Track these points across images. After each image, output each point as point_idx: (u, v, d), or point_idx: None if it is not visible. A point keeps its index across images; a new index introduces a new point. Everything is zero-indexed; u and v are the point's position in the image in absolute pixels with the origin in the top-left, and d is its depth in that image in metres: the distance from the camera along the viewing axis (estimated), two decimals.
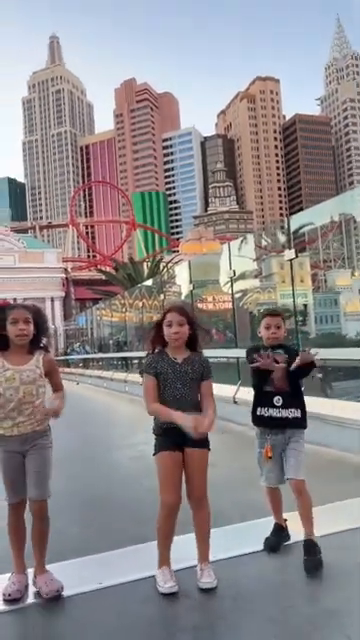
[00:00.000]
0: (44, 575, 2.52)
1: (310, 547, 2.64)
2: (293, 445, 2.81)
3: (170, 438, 2.50)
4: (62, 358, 24.36)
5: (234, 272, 9.31)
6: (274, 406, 2.80)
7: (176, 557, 2.58)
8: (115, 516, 3.78)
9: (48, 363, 2.63)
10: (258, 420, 2.87)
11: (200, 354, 2.62)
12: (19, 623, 2.35)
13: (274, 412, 2.80)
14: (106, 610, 2.36)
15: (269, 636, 2.11)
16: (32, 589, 2.54)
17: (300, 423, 2.84)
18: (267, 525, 2.99)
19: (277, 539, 2.86)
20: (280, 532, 2.90)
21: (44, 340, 2.67)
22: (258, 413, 2.85)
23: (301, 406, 2.85)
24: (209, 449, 2.55)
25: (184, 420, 2.37)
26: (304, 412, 2.86)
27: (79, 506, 3.90)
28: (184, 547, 2.62)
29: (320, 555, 2.62)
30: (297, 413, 2.82)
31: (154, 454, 2.56)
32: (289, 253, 7.10)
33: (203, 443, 2.51)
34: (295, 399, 2.83)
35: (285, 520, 2.94)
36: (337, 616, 2.21)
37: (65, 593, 2.48)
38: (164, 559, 2.52)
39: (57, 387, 2.70)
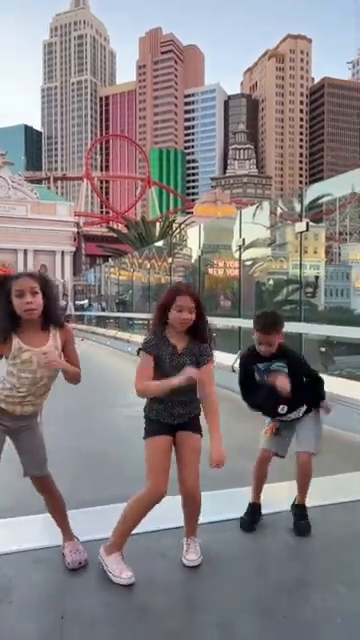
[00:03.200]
0: (71, 543, 2.47)
1: (302, 511, 2.84)
2: (304, 420, 2.86)
3: (162, 422, 2.39)
4: (77, 313, 24.08)
5: (243, 240, 9.15)
6: (279, 414, 2.83)
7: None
8: (107, 473, 3.84)
9: (65, 335, 2.35)
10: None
11: (201, 344, 2.43)
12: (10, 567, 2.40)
13: (280, 417, 2.86)
14: (90, 563, 2.43)
15: (241, 598, 2.20)
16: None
17: (308, 411, 2.87)
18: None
19: (252, 518, 2.86)
20: (255, 512, 2.89)
21: (58, 311, 2.38)
22: (263, 415, 2.91)
23: (306, 399, 2.85)
24: (202, 435, 2.46)
25: (179, 379, 2.24)
26: (312, 400, 2.87)
27: (72, 462, 3.94)
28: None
29: (308, 520, 2.80)
30: (303, 408, 2.85)
31: (144, 437, 2.42)
32: (299, 225, 6.92)
33: (197, 428, 2.44)
34: (299, 400, 2.81)
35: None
36: (308, 586, 2.28)
37: (50, 543, 2.55)
38: (121, 544, 2.35)
39: (71, 363, 2.38)
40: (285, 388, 2.64)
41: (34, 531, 2.78)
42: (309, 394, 2.85)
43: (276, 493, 3.10)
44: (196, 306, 2.35)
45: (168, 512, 2.50)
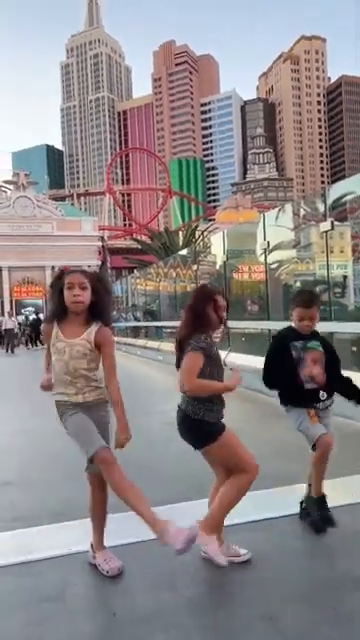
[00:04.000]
0: (104, 552, 2.50)
1: (324, 501, 2.83)
2: (327, 415, 2.89)
3: (219, 422, 2.48)
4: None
5: (268, 243, 9.13)
6: (320, 400, 2.81)
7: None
8: (144, 478, 3.89)
9: (100, 336, 2.39)
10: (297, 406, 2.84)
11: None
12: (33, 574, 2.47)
13: (320, 405, 2.82)
14: (128, 565, 2.48)
15: (287, 592, 2.22)
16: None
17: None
18: (285, 493, 3.02)
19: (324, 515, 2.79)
20: (325, 504, 2.82)
21: (106, 310, 2.46)
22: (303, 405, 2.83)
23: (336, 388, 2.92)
24: None
25: (234, 382, 2.42)
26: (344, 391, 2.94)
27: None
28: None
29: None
30: (333, 397, 2.90)
31: (210, 442, 2.41)
32: (324, 225, 6.90)
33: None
34: (333, 386, 2.87)
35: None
36: (354, 580, 2.28)
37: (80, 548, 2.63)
38: (221, 527, 2.46)
39: (107, 370, 2.42)
40: (320, 378, 2.75)
41: (83, 534, 2.85)
42: (339, 384, 2.89)
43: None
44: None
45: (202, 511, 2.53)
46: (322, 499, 2.83)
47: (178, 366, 2.48)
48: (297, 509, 3.00)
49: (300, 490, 3.04)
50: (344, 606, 2.09)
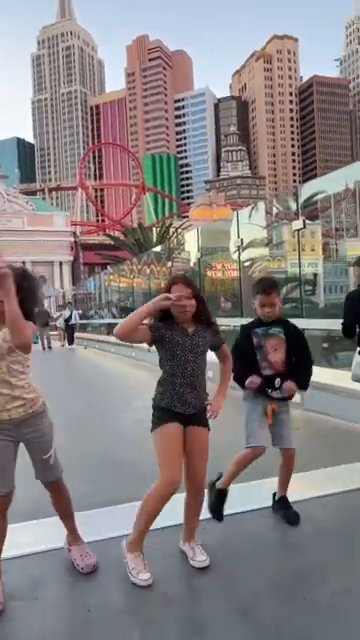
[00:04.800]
0: (79, 547, 2.48)
1: (287, 502, 2.94)
2: (283, 416, 2.85)
3: (174, 411, 2.36)
4: (84, 322, 23.64)
5: (242, 241, 9.21)
6: (274, 388, 2.79)
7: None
8: (117, 475, 3.91)
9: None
10: (254, 394, 2.81)
11: (209, 326, 2.48)
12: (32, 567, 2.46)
13: (275, 393, 2.80)
14: (105, 560, 2.49)
15: (260, 585, 2.27)
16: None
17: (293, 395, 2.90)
18: (259, 487, 3.08)
19: (221, 505, 2.80)
20: (224, 496, 2.82)
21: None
22: (255, 393, 2.81)
23: (293, 377, 2.85)
24: (209, 429, 2.47)
25: (162, 298, 2.31)
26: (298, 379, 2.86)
27: (85, 465, 4.01)
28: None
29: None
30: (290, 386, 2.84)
31: (153, 429, 2.39)
32: (297, 223, 7.02)
33: (206, 422, 2.44)
34: (291, 376, 2.82)
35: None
36: (325, 569, 2.35)
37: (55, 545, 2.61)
38: (139, 543, 2.34)
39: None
40: (277, 364, 2.79)
41: (57, 532, 2.84)
42: (298, 372, 2.84)
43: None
44: (193, 292, 2.38)
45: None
46: (283, 499, 2.96)
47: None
48: (265, 503, 3.05)
49: (270, 484, 3.10)
50: (314, 596, 2.15)
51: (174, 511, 2.48)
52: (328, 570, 2.36)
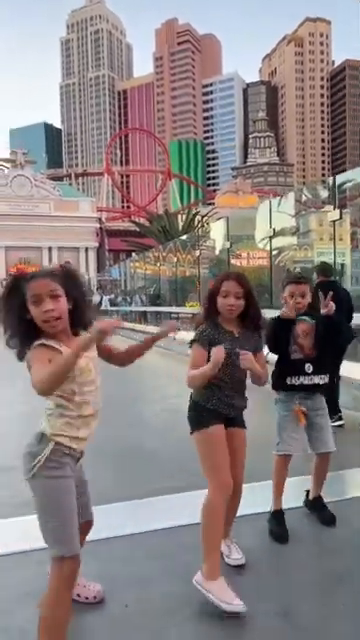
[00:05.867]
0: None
1: (322, 502, 2.87)
2: (322, 414, 2.78)
3: (219, 412, 2.24)
4: (115, 309, 23.62)
5: (274, 230, 9.08)
6: (305, 373, 2.71)
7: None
8: (144, 466, 3.92)
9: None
10: (286, 387, 2.75)
11: (256, 329, 2.33)
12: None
13: (305, 380, 2.72)
14: (129, 556, 2.48)
15: (296, 584, 2.24)
16: None
17: (326, 388, 2.84)
18: (294, 485, 3.03)
19: (283, 527, 2.67)
20: (283, 518, 2.71)
21: (90, 313, 1.82)
22: (289, 382, 2.73)
23: (329, 371, 2.83)
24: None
25: (218, 357, 2.09)
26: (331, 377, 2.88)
27: (110, 455, 4.03)
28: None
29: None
30: (326, 378, 2.79)
31: (196, 430, 2.23)
32: (333, 214, 6.86)
33: (243, 423, 2.36)
34: (324, 364, 2.77)
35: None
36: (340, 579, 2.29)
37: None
38: (217, 566, 2.10)
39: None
40: (307, 329, 2.72)
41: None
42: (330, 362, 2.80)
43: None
44: (245, 292, 2.23)
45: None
46: (318, 499, 2.89)
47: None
48: (300, 502, 2.98)
49: (303, 482, 3.03)
50: (353, 601, 2.10)
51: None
52: None
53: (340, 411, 4.83)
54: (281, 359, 2.76)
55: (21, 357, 1.68)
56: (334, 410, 4.60)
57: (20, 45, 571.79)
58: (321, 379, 2.75)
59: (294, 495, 2.98)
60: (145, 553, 2.52)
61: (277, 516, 2.71)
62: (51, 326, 1.65)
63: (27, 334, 1.67)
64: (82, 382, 1.73)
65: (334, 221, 6.91)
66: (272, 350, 2.73)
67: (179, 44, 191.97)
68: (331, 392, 4.69)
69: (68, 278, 1.74)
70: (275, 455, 2.75)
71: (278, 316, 2.78)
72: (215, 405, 2.24)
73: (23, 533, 2.59)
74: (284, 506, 2.77)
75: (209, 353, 2.16)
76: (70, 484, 1.72)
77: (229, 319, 2.27)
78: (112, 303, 22.88)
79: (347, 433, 4.64)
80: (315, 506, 2.87)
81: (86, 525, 1.96)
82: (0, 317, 1.70)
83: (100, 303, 18.85)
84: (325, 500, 2.89)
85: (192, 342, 2.27)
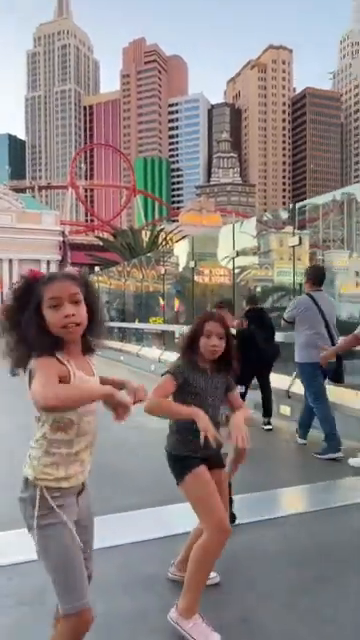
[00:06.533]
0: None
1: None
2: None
3: (195, 457, 2.11)
4: None
5: (237, 253, 9.43)
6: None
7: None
8: (109, 484, 3.94)
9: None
10: None
11: (228, 367, 2.23)
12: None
13: None
14: (111, 567, 2.53)
15: (264, 595, 2.35)
16: None
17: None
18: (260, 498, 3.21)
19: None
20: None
21: (103, 330, 1.66)
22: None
23: (244, 381, 3.22)
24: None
25: (205, 422, 1.90)
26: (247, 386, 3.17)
27: None
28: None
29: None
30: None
31: (181, 477, 2.10)
32: (293, 239, 7.27)
33: (222, 462, 2.25)
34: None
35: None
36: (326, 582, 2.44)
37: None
38: (196, 604, 2.03)
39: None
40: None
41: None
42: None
43: (284, 498, 3.39)
44: (225, 332, 2.18)
45: (179, 518, 2.66)
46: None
47: None
48: (266, 515, 3.16)
49: (274, 496, 3.26)
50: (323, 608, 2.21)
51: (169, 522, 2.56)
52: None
53: (270, 416, 5.75)
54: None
55: (19, 366, 1.48)
56: (267, 414, 5.72)
57: None
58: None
59: (264, 508, 3.19)
60: (126, 565, 2.59)
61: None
62: (69, 332, 1.48)
63: (39, 341, 1.45)
64: (83, 412, 1.51)
65: (294, 246, 7.31)
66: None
67: (146, 63, 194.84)
68: (265, 400, 5.81)
69: (87, 285, 1.58)
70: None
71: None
72: (191, 451, 2.11)
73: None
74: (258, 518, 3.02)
75: (178, 388, 2.11)
76: (67, 532, 1.48)
77: (205, 359, 2.18)
78: None
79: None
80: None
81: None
82: (4, 324, 1.49)
83: None
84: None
85: (166, 372, 2.17)
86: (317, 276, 4.95)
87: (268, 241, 12.27)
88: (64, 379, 1.44)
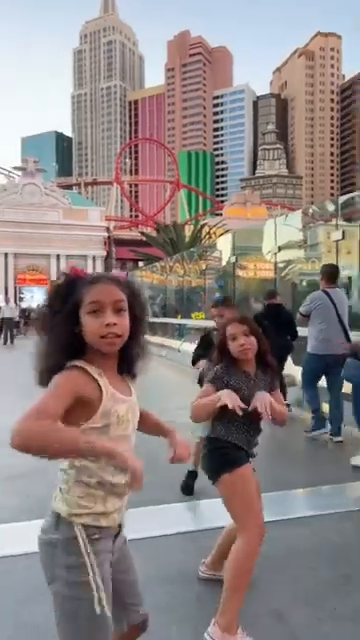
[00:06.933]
0: None
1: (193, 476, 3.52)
2: None
3: (243, 449, 2.07)
4: None
5: (279, 248, 9.20)
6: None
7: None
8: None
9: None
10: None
11: (268, 366, 2.17)
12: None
13: None
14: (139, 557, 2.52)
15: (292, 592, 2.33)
16: None
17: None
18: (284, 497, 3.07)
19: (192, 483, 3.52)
20: (194, 477, 3.50)
21: (145, 346, 1.43)
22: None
23: None
24: None
25: (261, 402, 1.94)
26: None
27: None
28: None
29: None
30: None
31: (224, 471, 2.01)
32: (336, 234, 7.04)
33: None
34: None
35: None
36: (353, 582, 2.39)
37: None
38: (236, 618, 1.93)
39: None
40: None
41: None
42: None
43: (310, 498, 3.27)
44: (250, 329, 2.11)
45: (209, 512, 2.57)
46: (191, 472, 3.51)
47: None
48: (291, 514, 3.12)
49: (295, 495, 3.12)
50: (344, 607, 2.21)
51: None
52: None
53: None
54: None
55: (47, 380, 1.25)
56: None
57: (33, 53, 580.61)
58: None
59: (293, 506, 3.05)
60: (157, 556, 2.62)
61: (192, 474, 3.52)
62: (109, 343, 1.27)
63: (72, 351, 1.28)
64: (116, 437, 1.27)
65: (337, 241, 7.09)
66: (200, 357, 3.38)
67: (191, 55, 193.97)
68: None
69: (134, 294, 1.36)
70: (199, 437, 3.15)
71: (209, 330, 3.47)
72: (236, 439, 2.06)
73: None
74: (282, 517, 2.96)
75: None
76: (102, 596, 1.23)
77: (245, 360, 2.11)
78: None
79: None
80: (190, 476, 3.53)
81: (134, 631, 1.43)
82: (40, 325, 1.31)
83: None
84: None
85: (201, 381, 2.23)
86: (330, 273, 5.29)
87: (315, 234, 11.89)
88: (90, 400, 1.23)
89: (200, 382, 2.18)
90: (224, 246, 13.19)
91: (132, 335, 1.33)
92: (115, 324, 1.27)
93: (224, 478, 2.01)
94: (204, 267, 13.66)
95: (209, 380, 2.11)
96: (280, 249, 9.20)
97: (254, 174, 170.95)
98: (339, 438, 4.89)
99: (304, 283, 12.00)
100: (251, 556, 1.95)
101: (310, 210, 11.92)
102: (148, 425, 1.49)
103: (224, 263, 13.55)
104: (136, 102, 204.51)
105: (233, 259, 11.01)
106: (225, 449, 2.05)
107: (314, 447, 4.94)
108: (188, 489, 3.48)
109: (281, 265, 10.56)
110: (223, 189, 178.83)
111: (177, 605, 2.22)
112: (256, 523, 1.98)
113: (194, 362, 3.45)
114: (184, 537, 2.84)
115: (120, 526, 1.38)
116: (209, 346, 3.11)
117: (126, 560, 1.42)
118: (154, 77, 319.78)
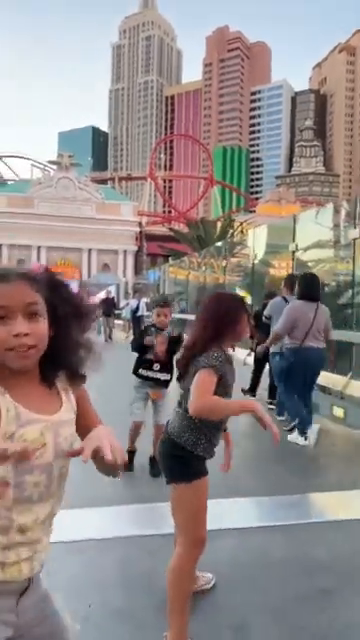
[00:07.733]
0: None
1: (155, 461, 3.43)
2: (160, 401, 4.00)
3: (204, 460, 1.98)
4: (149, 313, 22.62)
5: (296, 246, 9.04)
6: (153, 370, 3.95)
7: None
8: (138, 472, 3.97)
9: (80, 402, 1.17)
10: (139, 376, 4.00)
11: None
12: None
13: (151, 374, 3.96)
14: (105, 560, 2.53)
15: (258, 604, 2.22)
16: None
17: (167, 384, 3.98)
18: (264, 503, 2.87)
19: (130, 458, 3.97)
20: (132, 455, 4.01)
21: (81, 349, 1.13)
22: (140, 372, 3.99)
23: (171, 372, 3.87)
24: None
25: (263, 411, 1.69)
26: (172, 376, 3.79)
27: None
28: None
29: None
30: (167, 377, 3.94)
31: (182, 480, 1.93)
32: (353, 232, 6.92)
33: None
34: (167, 367, 3.91)
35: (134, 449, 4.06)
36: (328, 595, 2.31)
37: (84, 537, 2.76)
38: (185, 630, 1.88)
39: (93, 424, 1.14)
40: (163, 340, 3.97)
41: (69, 523, 2.78)
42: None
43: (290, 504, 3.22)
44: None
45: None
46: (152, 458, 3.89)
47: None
48: (273, 521, 3.06)
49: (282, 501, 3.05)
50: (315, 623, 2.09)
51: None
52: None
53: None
54: (140, 356, 4.00)
55: None
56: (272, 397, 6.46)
57: (71, 49, 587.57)
58: (163, 376, 3.94)
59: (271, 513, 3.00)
60: (122, 560, 2.57)
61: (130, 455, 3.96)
62: (20, 357, 1.01)
63: None
64: (22, 468, 1.00)
65: (354, 239, 6.92)
66: (135, 349, 4.04)
67: (229, 51, 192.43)
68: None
69: (52, 288, 1.09)
70: (132, 422, 4.02)
71: (147, 326, 4.07)
72: (203, 451, 1.95)
73: None
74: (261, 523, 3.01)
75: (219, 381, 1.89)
76: None
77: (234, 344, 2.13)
78: (148, 307, 21.99)
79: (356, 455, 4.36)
80: (151, 463, 3.89)
81: None
82: None
83: (137, 308, 16.60)
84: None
85: (206, 366, 1.89)
86: (292, 283, 5.87)
87: (349, 233, 11.47)
88: None
89: (180, 379, 2.00)
90: (252, 244, 12.92)
91: (62, 340, 1.08)
92: (27, 334, 1.00)
93: (180, 486, 1.94)
94: (226, 264, 13.42)
95: (214, 365, 1.89)
96: (297, 248, 9.02)
97: (290, 171, 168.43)
98: (282, 418, 5.52)
99: (333, 283, 11.61)
100: (187, 571, 1.91)
101: (343, 207, 11.50)
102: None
103: (250, 260, 13.29)
104: (172, 97, 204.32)
105: (253, 256, 10.77)
106: (189, 460, 1.94)
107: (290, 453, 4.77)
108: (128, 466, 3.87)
109: (311, 264, 10.25)
110: (258, 186, 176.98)
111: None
112: (198, 537, 1.93)
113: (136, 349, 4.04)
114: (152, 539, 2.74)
115: (29, 580, 1.07)
116: (142, 337, 3.93)
117: (47, 622, 1.12)
118: (192, 72, 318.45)
